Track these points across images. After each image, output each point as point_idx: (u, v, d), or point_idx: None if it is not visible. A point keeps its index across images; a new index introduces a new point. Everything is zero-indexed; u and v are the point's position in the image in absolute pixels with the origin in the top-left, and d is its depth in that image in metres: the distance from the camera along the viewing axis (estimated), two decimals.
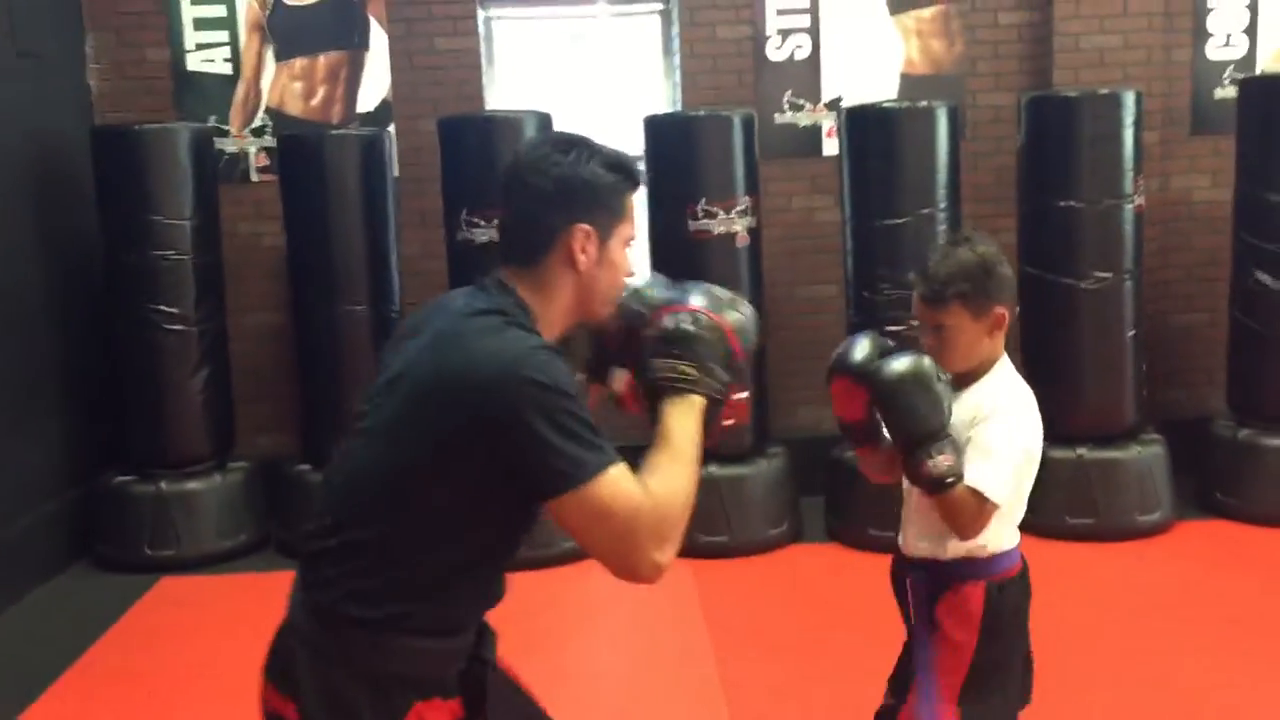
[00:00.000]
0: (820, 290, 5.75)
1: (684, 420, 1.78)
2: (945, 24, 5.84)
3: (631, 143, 5.95)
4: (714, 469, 4.80)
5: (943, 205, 4.95)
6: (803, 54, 5.82)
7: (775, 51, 5.82)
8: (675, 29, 5.89)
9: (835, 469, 5.06)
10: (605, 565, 1.69)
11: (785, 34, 5.81)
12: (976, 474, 2.19)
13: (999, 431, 2.22)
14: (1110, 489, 5.02)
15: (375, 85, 5.82)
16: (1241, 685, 3.66)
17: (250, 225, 5.81)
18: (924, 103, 5.06)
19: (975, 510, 2.19)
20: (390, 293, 5.34)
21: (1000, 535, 2.30)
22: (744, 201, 5.00)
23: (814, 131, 5.86)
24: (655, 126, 5.13)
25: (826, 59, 5.82)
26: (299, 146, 5.33)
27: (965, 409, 2.26)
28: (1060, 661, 3.85)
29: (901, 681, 2.41)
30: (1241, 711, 3.50)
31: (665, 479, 1.70)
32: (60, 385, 5.32)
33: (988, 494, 2.18)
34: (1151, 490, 5.05)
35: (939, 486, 2.17)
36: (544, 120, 5.01)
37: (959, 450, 2.20)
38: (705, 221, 4.95)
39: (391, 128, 5.74)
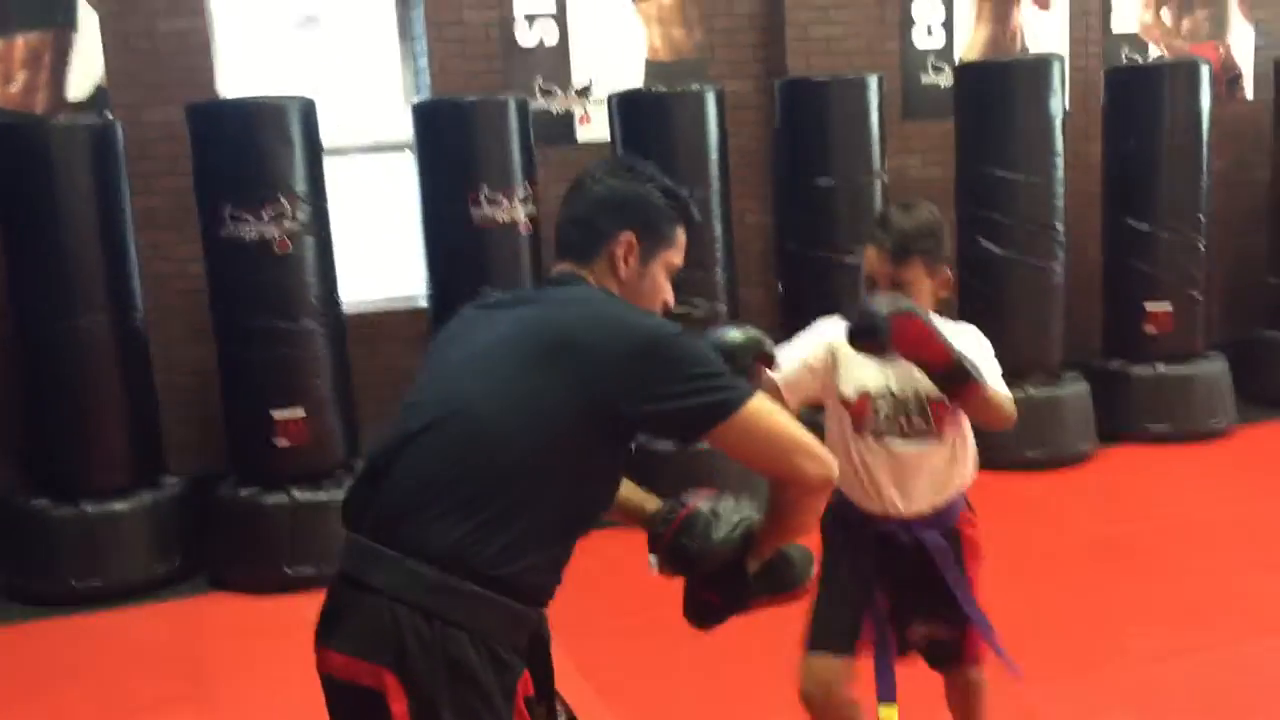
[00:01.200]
0: None
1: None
2: (684, 12, 6.00)
3: (391, 130, 5.75)
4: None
5: (715, 187, 5.08)
6: (552, 40, 5.79)
7: (525, 36, 5.74)
8: (419, 12, 5.67)
9: None
10: (767, 472, 1.82)
11: (532, 19, 5.75)
12: (987, 378, 2.30)
13: (975, 347, 2.36)
14: None
15: (86, 70, 5.21)
16: (1026, 607, 4.01)
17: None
18: (694, 86, 5.17)
19: (1009, 404, 2.32)
20: (132, 300, 4.80)
21: (971, 470, 2.57)
22: (524, 189, 4.91)
23: (566, 119, 5.84)
24: (426, 113, 4.94)
25: (575, 45, 5.82)
26: (10, 138, 4.67)
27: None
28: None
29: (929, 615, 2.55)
30: (1034, 631, 3.83)
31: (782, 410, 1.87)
32: None
33: (1003, 390, 2.33)
34: None
35: (964, 373, 2.22)
36: (307, 106, 4.68)
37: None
38: (488, 210, 4.81)
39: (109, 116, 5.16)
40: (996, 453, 5.53)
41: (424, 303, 5.54)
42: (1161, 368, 5.94)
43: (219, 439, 5.00)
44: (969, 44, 6.43)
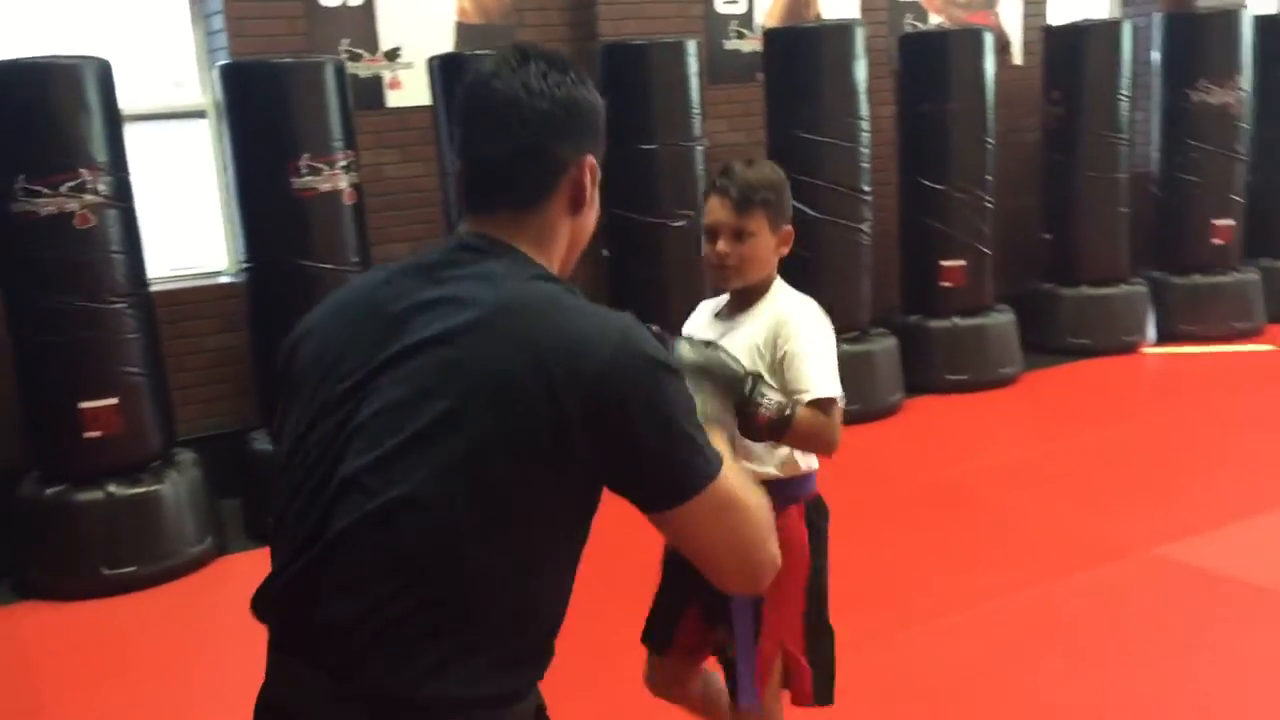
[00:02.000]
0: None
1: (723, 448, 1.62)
2: None
3: (199, 93, 5.38)
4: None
5: None
6: (356, 1, 5.54)
7: None
8: None
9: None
10: (722, 572, 1.44)
11: None
12: (812, 382, 2.17)
13: (809, 336, 2.25)
14: None
15: None
16: (852, 563, 4.19)
17: None
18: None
19: (826, 419, 2.14)
20: None
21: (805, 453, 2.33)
22: (347, 156, 4.69)
23: (375, 83, 5.61)
24: (238, 76, 4.64)
25: (382, 7, 5.59)
26: None
27: (763, 327, 2.26)
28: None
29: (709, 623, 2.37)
30: (864, 587, 4.01)
31: (733, 464, 1.46)
32: None
33: (831, 394, 2.16)
34: None
35: (783, 423, 2.07)
36: (103, 68, 4.31)
37: (772, 380, 2.16)
38: (309, 178, 4.57)
39: None
40: None
41: (227, 278, 5.25)
42: (957, 320, 6.30)
43: (16, 432, 4.58)
44: (769, 10, 6.57)
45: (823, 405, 2.15)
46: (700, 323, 2.42)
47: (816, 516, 2.36)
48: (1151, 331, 7.04)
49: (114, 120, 4.36)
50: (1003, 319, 6.43)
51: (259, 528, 4.72)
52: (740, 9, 6.49)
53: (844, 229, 5.84)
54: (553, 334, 1.30)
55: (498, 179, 1.43)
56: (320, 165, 4.59)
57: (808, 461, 2.34)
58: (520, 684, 1.37)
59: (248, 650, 3.75)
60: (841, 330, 5.75)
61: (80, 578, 4.24)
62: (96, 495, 4.28)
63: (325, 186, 4.61)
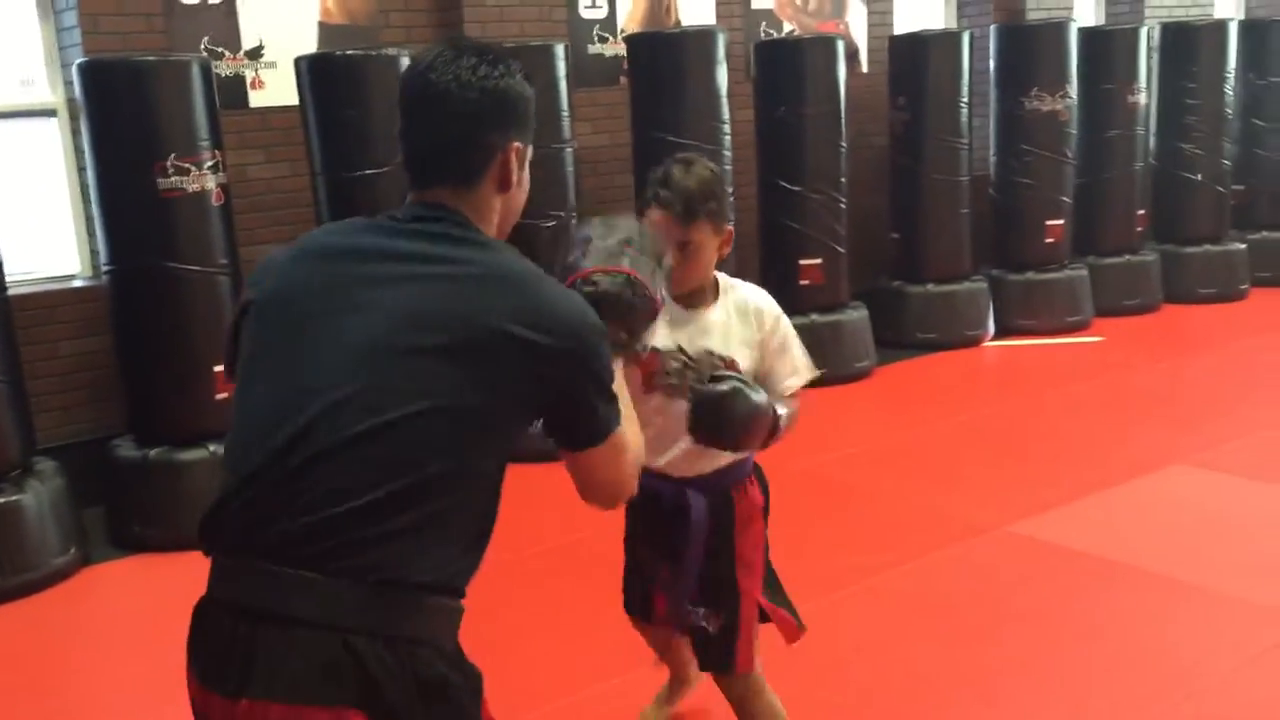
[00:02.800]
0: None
1: (620, 386, 1.71)
2: None
3: (48, 92, 5.19)
4: None
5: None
6: None
7: None
8: None
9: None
10: (595, 498, 1.73)
11: None
12: (799, 367, 2.38)
13: (787, 322, 2.43)
14: None
15: None
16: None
17: None
18: (390, 50, 5.05)
19: (796, 404, 2.34)
20: None
21: None
22: (214, 156, 4.60)
23: (237, 82, 5.51)
24: (99, 74, 4.50)
25: (243, 6, 5.49)
26: None
27: (740, 324, 2.35)
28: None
29: (692, 599, 2.44)
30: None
31: (630, 420, 1.72)
32: None
33: (811, 374, 2.38)
34: None
35: (790, 421, 2.28)
36: None
37: (757, 381, 2.28)
38: (176, 179, 4.48)
39: None
40: None
41: (81, 282, 5.11)
42: (815, 317, 6.54)
43: None
44: (629, 15, 6.70)
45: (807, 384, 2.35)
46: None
47: (764, 482, 2.52)
48: (992, 325, 7.44)
49: None
50: (857, 315, 6.70)
51: (124, 537, 4.60)
52: (602, 14, 6.61)
53: None
54: (537, 302, 1.54)
55: (434, 164, 1.62)
56: (187, 165, 4.50)
57: None
58: (466, 578, 1.58)
59: (117, 662, 3.70)
60: None
61: None
62: None
63: (193, 187, 4.52)
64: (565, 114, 5.48)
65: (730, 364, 2.33)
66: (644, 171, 5.83)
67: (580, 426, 1.63)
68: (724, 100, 5.97)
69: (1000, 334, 7.45)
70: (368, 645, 1.44)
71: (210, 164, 4.59)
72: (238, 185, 5.25)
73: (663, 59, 5.88)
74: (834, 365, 6.49)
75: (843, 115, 6.54)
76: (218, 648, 1.47)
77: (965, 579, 3.91)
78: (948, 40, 7.18)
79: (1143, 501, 4.54)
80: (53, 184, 5.35)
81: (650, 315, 1.86)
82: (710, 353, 2.35)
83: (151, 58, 4.66)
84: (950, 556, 4.09)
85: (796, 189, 6.51)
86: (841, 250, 6.64)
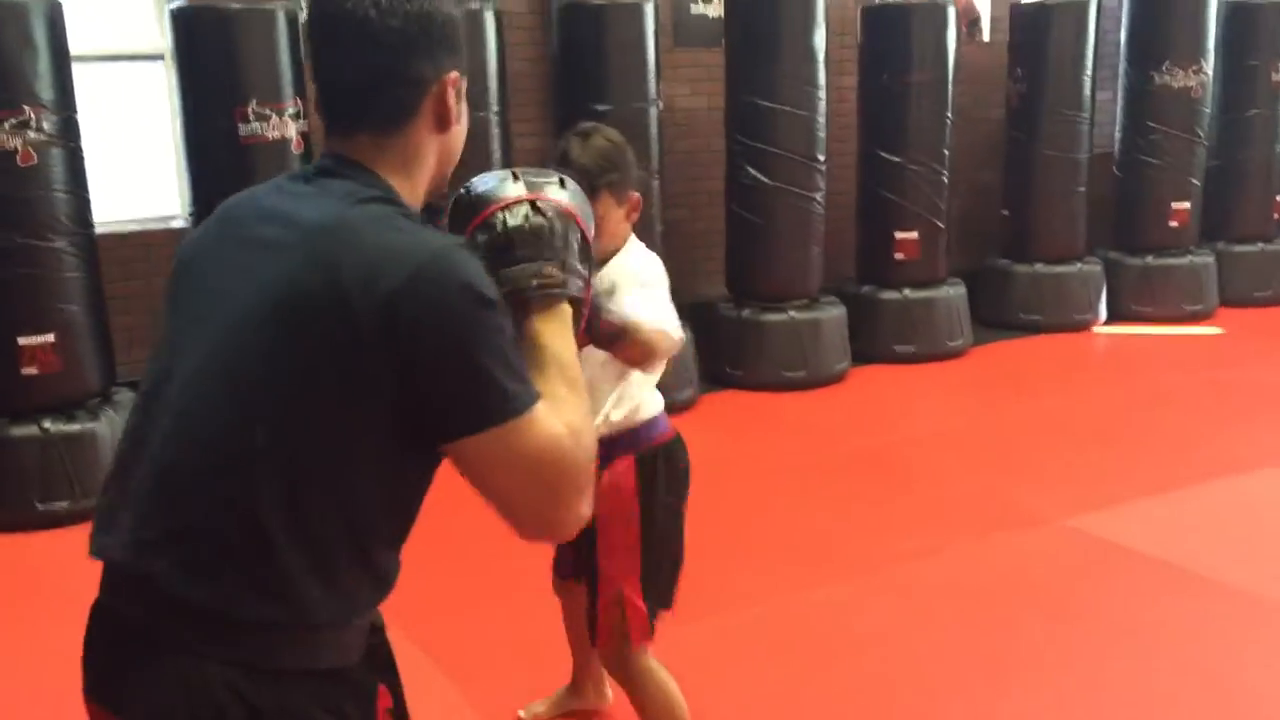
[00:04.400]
0: None
1: (564, 335, 1.45)
2: None
3: (152, 38, 5.39)
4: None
5: (494, 109, 5.04)
6: None
7: None
8: None
9: None
10: (517, 520, 1.35)
11: None
12: (652, 315, 2.11)
13: (642, 280, 2.25)
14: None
15: None
16: (785, 523, 4.27)
17: None
18: (474, 5, 5.07)
19: (663, 340, 2.08)
20: None
21: (649, 398, 2.37)
22: (295, 104, 4.71)
23: None
24: (187, 20, 4.64)
25: None
26: None
27: (601, 283, 2.21)
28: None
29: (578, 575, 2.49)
30: (797, 545, 4.09)
31: (574, 413, 1.36)
32: None
33: (670, 330, 2.12)
34: (683, 370, 5.62)
35: (625, 331, 2.00)
36: (53, 7, 4.32)
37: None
38: (256, 125, 4.60)
39: None
40: (760, 374, 5.84)
41: (181, 223, 5.27)
42: (908, 293, 6.35)
43: None
44: None
45: (661, 332, 2.10)
46: None
47: (657, 462, 2.37)
48: (1103, 310, 7.11)
49: (62, 59, 4.37)
50: (953, 292, 6.48)
51: None
52: None
53: (796, 197, 5.88)
54: (358, 251, 1.27)
55: (355, 104, 1.38)
56: (268, 112, 4.61)
57: (649, 409, 2.37)
58: (347, 609, 1.36)
59: None
60: (790, 297, 5.96)
61: (12, 511, 4.29)
62: (31, 431, 4.33)
63: (272, 134, 4.63)
64: (651, 73, 5.41)
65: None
66: (735, 136, 5.82)
67: (450, 402, 1.28)
68: (820, 65, 5.80)
69: (1113, 319, 7.12)
70: (225, 675, 1.28)
71: (292, 111, 4.69)
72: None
73: (759, 19, 5.75)
74: (923, 343, 6.32)
75: (949, 85, 6.30)
76: (95, 650, 1.38)
77: (1004, 571, 3.76)
78: (1074, 8, 6.83)
79: (1219, 504, 4.28)
80: (158, 128, 5.56)
81: (582, 239, 1.54)
82: None
83: (236, 5, 4.76)
84: (994, 547, 3.93)
85: (896, 159, 6.31)
86: (941, 225, 6.42)
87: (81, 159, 4.48)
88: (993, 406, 5.67)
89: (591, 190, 2.10)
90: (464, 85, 1.43)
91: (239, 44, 4.61)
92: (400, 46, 1.35)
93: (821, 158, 5.91)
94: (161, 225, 5.50)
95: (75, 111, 4.44)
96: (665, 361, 2.23)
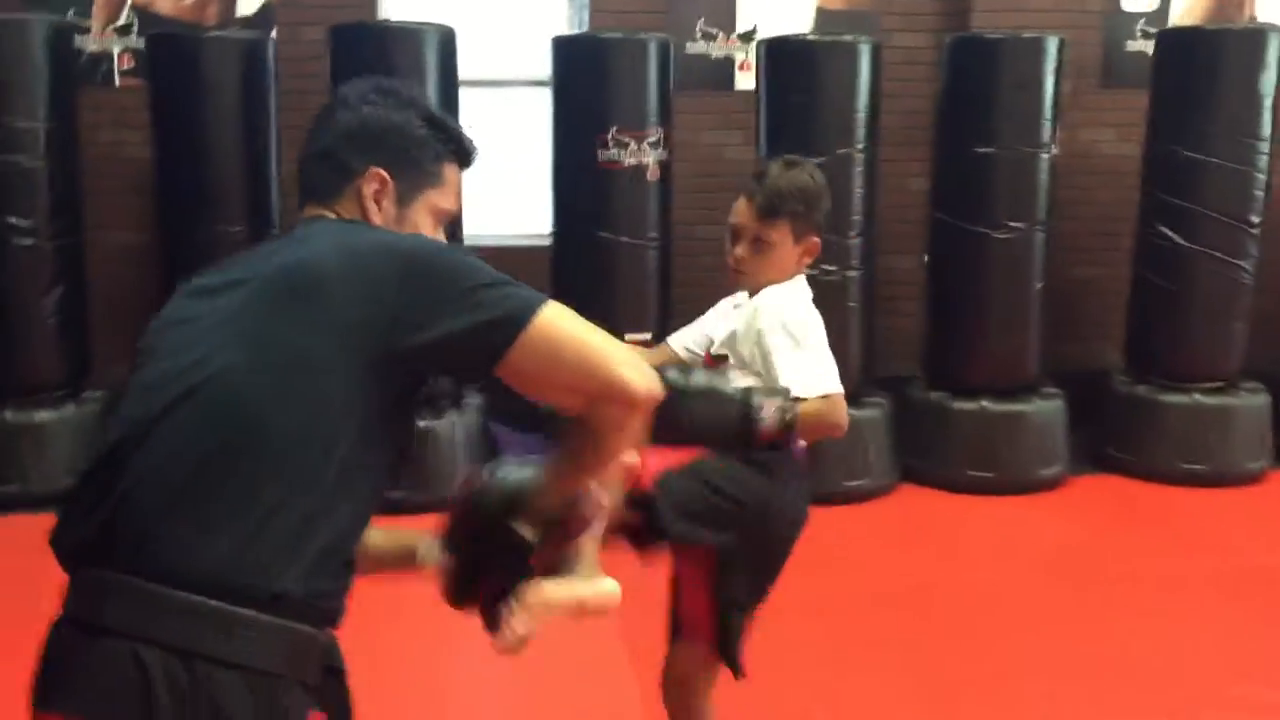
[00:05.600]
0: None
1: None
2: None
3: (538, 65, 5.68)
4: None
5: (861, 146, 4.78)
6: None
7: None
8: None
9: None
10: (584, 390, 1.40)
11: None
12: (807, 379, 2.09)
13: (788, 322, 2.16)
14: (1011, 442, 4.98)
15: None
16: (1131, 642, 3.63)
17: (111, 133, 5.32)
18: (847, 37, 4.86)
19: (830, 408, 2.10)
20: (269, 212, 4.93)
21: None
22: (656, 132, 4.75)
23: (726, 64, 5.62)
24: (564, 48, 4.84)
25: None
26: (171, 48, 4.85)
27: (745, 313, 2.23)
28: (955, 615, 3.80)
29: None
30: (1136, 668, 3.46)
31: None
32: None
33: (830, 390, 2.11)
34: (1051, 444, 5.04)
35: (789, 429, 1.96)
36: (446, 34, 4.66)
37: (765, 388, 2.03)
38: (615, 151, 4.68)
39: (274, 34, 5.29)
40: (1151, 462, 5.08)
41: (546, 242, 5.49)
42: None
43: None
44: (1187, 8, 5.80)
45: (824, 399, 2.11)
46: (717, 314, 2.38)
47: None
48: None
49: (450, 83, 4.69)
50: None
51: None
52: (1150, 6, 5.79)
53: (1220, 264, 5.07)
54: (358, 236, 1.50)
55: (306, 177, 1.62)
56: (627, 139, 4.68)
57: None
58: (315, 599, 1.37)
59: None
60: (1201, 378, 5.12)
61: None
62: None
63: (630, 160, 4.70)
64: (1046, 115, 4.88)
65: (718, 359, 2.27)
66: (1153, 189, 5.12)
67: (464, 339, 1.38)
68: (1265, 112, 4.96)
69: None
70: (159, 660, 1.29)
71: (652, 139, 4.73)
72: (696, 164, 5.35)
73: (1191, 60, 5.01)
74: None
75: None
76: (43, 659, 1.39)
77: None
78: None
79: None
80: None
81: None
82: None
83: (612, 34, 4.88)
84: None
85: None
86: None
87: None
88: (1236, 553, 4.53)
89: (772, 212, 2.21)
90: (395, 189, 1.57)
91: (609, 71, 4.73)
92: (342, 137, 1.58)
93: (1256, 220, 5.05)
94: (530, 242, 5.71)
95: None
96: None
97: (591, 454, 1.49)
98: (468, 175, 1.68)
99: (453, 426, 4.75)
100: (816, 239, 2.27)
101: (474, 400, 4.94)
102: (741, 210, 2.24)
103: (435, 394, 4.82)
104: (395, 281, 1.39)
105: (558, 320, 1.40)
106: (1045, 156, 4.92)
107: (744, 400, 1.93)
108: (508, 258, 5.45)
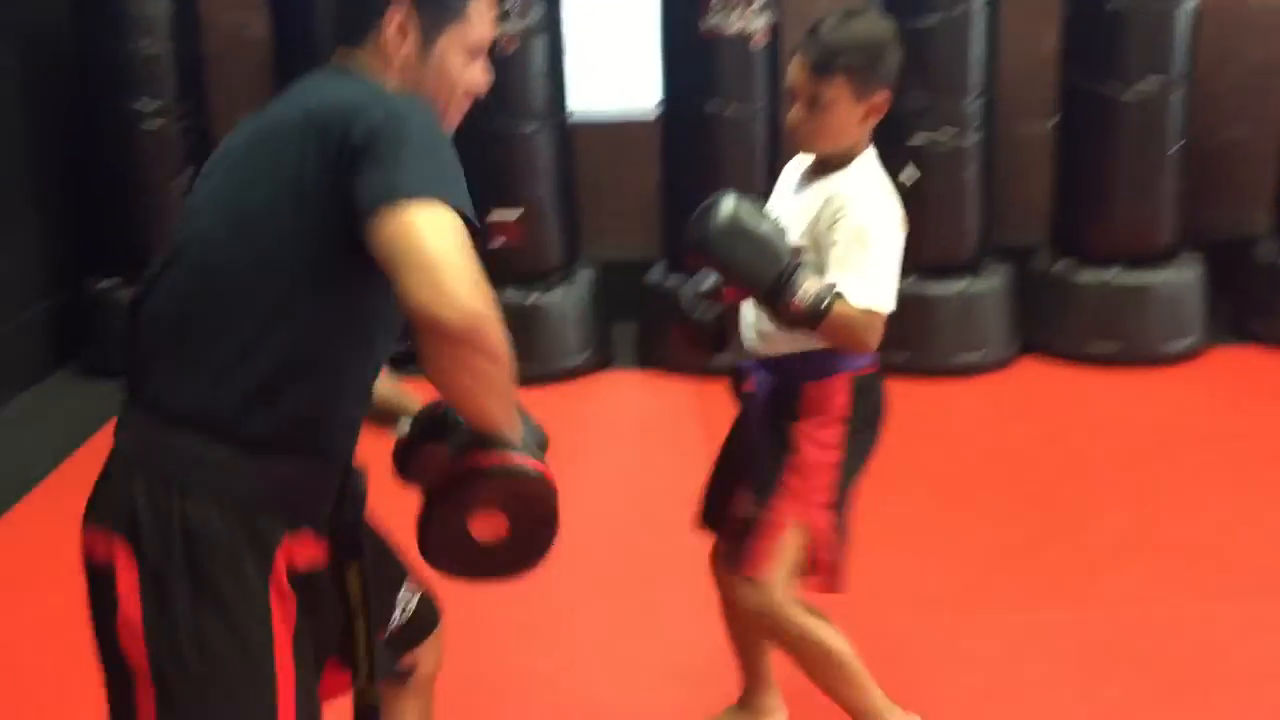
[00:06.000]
0: None
1: None
2: None
3: None
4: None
5: (980, 3, 4.52)
6: None
7: None
8: None
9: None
10: (405, 307, 1.29)
11: None
12: (857, 287, 1.97)
13: (864, 227, 2.01)
14: (1139, 313, 4.76)
15: None
16: (1264, 518, 3.48)
17: (233, 15, 5.42)
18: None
19: (865, 323, 1.98)
20: None
21: None
22: None
23: None
24: None
25: None
26: None
27: (819, 201, 2.06)
28: (1075, 492, 3.70)
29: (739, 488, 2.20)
30: (1263, 546, 3.33)
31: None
32: (34, 187, 5.03)
33: (875, 307, 1.98)
34: (1184, 315, 4.79)
35: (816, 315, 1.94)
36: None
37: (818, 264, 2.01)
38: (719, 17, 4.54)
39: None
40: None
41: (651, 116, 5.39)
42: None
43: None
44: None
45: (867, 312, 1.99)
46: (787, 181, 2.23)
47: (867, 393, 2.14)
48: None
49: None
50: None
51: (648, 354, 4.96)
52: None
53: None
54: (328, 96, 1.49)
55: (336, 18, 1.63)
56: (733, 3, 4.53)
57: None
58: (304, 433, 1.48)
59: (613, 458, 4.04)
60: None
61: None
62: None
63: (733, 28, 4.55)
64: None
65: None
66: None
67: (366, 178, 1.35)
68: None
69: None
70: (143, 482, 1.45)
71: (759, 4, 4.56)
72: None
73: None
74: None
75: None
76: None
77: None
78: None
79: None
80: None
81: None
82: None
83: None
84: None
85: None
86: None
87: (561, 47, 4.73)
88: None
89: (825, 69, 2.01)
90: (426, 28, 1.54)
91: None
92: None
93: None
94: (634, 118, 5.60)
95: (558, 2, 4.68)
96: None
97: (447, 389, 1.38)
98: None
99: (562, 299, 4.79)
100: (883, 94, 2.05)
101: (585, 273, 4.97)
102: (794, 68, 2.06)
103: (546, 269, 4.86)
104: (344, 138, 1.39)
105: (426, 222, 1.29)
106: (1187, 7, 4.56)
107: (788, 266, 1.94)
108: (615, 132, 5.48)
